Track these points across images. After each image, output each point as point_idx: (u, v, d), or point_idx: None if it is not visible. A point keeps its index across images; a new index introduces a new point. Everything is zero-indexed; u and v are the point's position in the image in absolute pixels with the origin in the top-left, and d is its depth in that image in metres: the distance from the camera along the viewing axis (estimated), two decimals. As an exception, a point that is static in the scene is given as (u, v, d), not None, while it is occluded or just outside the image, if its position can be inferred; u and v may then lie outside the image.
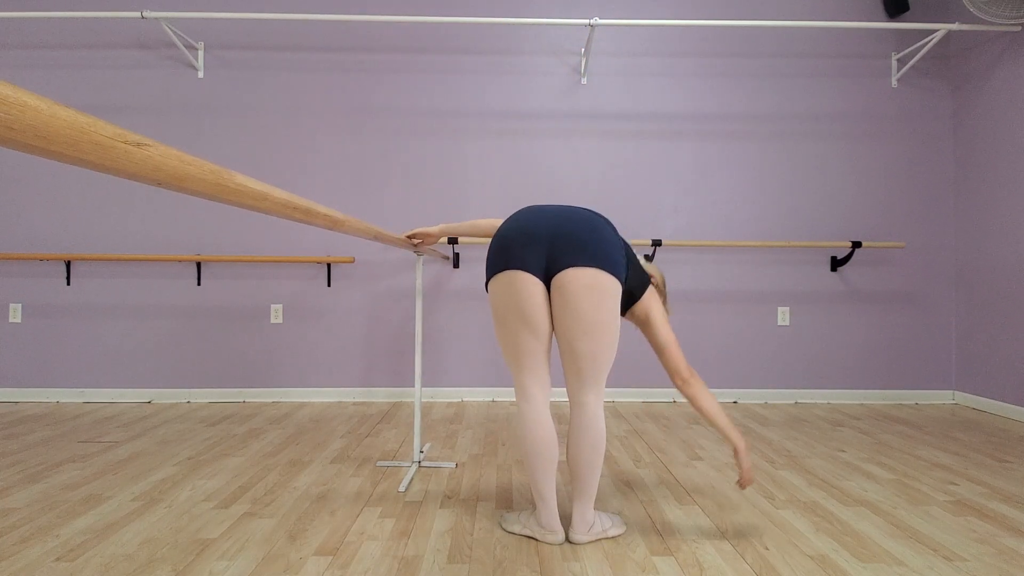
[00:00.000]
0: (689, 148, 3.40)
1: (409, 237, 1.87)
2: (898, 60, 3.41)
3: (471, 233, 1.70)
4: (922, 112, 3.42)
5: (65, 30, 3.33)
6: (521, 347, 1.45)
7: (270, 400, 3.31)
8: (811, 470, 2.14)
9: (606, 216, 1.62)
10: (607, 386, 3.38)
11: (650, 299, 1.56)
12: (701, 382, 1.53)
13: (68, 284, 3.30)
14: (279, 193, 0.79)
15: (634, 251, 1.61)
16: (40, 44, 3.33)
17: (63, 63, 3.32)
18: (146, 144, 0.51)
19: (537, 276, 1.40)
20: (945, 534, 1.60)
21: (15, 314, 3.28)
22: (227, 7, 3.34)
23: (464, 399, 3.36)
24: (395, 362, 3.36)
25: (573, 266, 1.36)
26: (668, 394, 3.38)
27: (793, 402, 3.37)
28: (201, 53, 3.33)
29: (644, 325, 1.57)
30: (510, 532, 1.59)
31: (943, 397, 3.39)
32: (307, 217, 0.90)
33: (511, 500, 1.83)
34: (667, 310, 1.68)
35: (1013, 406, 2.97)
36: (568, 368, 1.46)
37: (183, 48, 3.22)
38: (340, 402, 3.29)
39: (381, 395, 3.34)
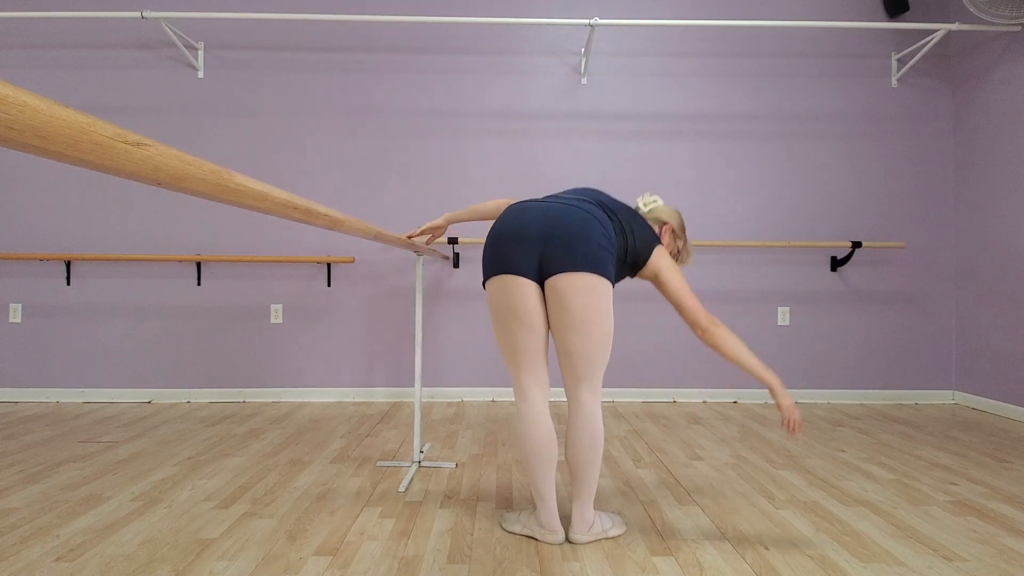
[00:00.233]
0: (689, 148, 3.40)
1: (413, 236, 1.88)
2: (898, 60, 3.41)
3: (474, 218, 1.79)
4: (922, 112, 3.42)
5: (65, 30, 3.33)
6: (518, 346, 1.47)
7: (270, 400, 3.31)
8: (811, 470, 2.14)
9: (600, 198, 1.61)
10: (608, 386, 3.38)
11: (658, 260, 1.55)
12: (722, 330, 1.50)
13: (68, 284, 3.30)
14: (279, 193, 0.79)
15: (637, 216, 1.58)
16: (40, 44, 3.33)
17: (63, 63, 3.32)
18: (146, 144, 0.51)
19: (531, 278, 1.43)
20: (945, 534, 1.60)
21: (15, 314, 3.28)
22: (227, 7, 3.34)
23: (464, 399, 3.36)
24: (395, 362, 3.36)
25: (564, 271, 1.40)
26: (668, 394, 3.38)
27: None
28: (201, 53, 3.33)
29: (655, 283, 1.58)
30: (510, 532, 1.59)
31: (943, 397, 3.39)
32: (307, 217, 0.90)
33: (511, 500, 1.83)
34: (687, 252, 1.72)
35: (1013, 406, 2.97)
36: (564, 367, 1.49)
37: (183, 48, 3.22)
38: (340, 402, 3.29)
39: (381, 395, 3.34)
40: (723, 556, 1.46)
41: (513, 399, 3.35)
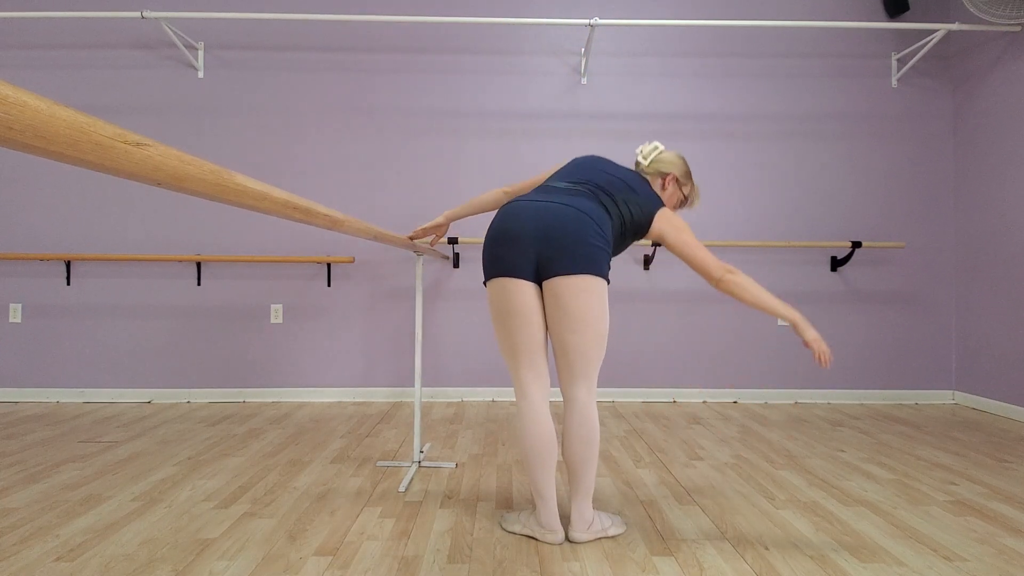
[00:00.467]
0: (689, 148, 3.40)
1: (415, 238, 1.89)
2: (898, 60, 3.41)
3: (473, 211, 1.81)
4: (922, 112, 3.42)
5: (65, 30, 3.33)
6: (518, 344, 1.50)
7: (270, 400, 3.31)
8: (811, 470, 2.14)
9: (598, 179, 1.60)
10: (608, 386, 3.38)
11: (659, 225, 1.55)
12: (736, 277, 1.49)
13: (68, 284, 3.30)
14: (279, 193, 0.79)
15: (635, 184, 1.56)
16: (40, 44, 3.33)
17: (63, 63, 3.32)
18: (146, 144, 0.51)
19: (528, 279, 1.47)
20: (945, 534, 1.60)
21: (15, 314, 3.28)
22: (227, 7, 3.34)
23: (464, 399, 3.36)
24: (395, 362, 3.36)
25: (561, 274, 1.43)
26: (668, 394, 3.38)
27: (793, 402, 3.37)
28: (201, 53, 3.33)
29: (662, 243, 1.58)
30: (510, 532, 1.59)
31: (943, 397, 3.39)
32: (307, 217, 0.90)
33: (511, 500, 1.83)
34: (695, 195, 1.71)
35: (1013, 406, 2.97)
36: (560, 363, 1.51)
37: (183, 48, 3.22)
38: (340, 402, 3.29)
39: (381, 395, 3.34)
40: (723, 556, 1.46)
41: (513, 399, 3.35)
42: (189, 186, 0.59)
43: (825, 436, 2.63)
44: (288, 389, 3.32)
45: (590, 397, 1.50)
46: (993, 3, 2.89)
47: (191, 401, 3.29)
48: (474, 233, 3.37)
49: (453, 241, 3.24)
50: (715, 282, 1.51)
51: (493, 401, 3.33)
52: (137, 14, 2.98)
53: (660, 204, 1.58)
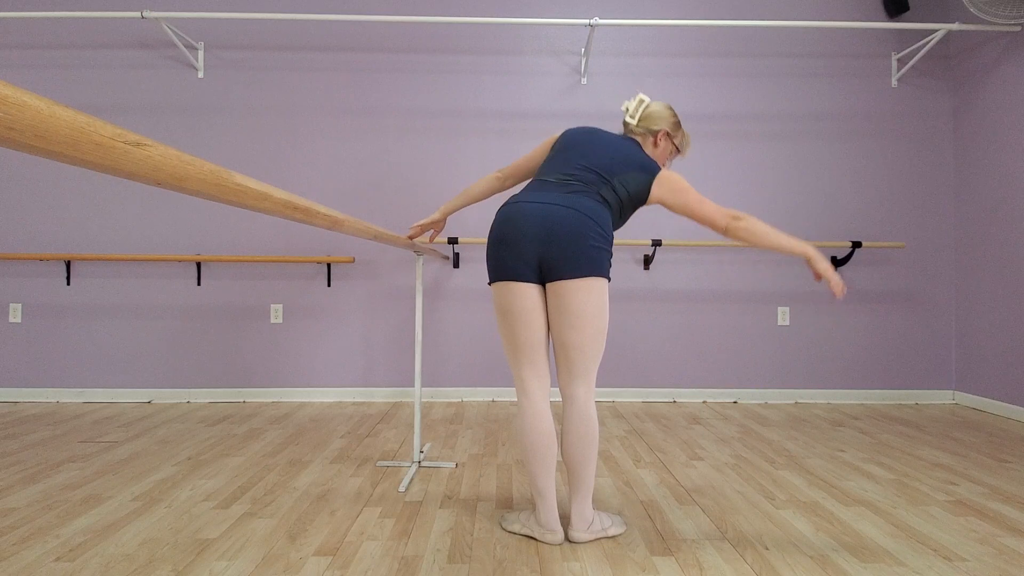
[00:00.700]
0: (689, 148, 3.40)
1: (414, 236, 1.88)
2: (898, 60, 3.41)
3: (468, 202, 1.80)
4: (922, 112, 3.42)
5: (65, 30, 3.33)
6: (520, 342, 1.51)
7: (270, 400, 3.31)
8: (811, 470, 2.14)
9: (594, 162, 1.59)
10: (608, 386, 3.38)
11: (657, 193, 1.55)
12: (743, 222, 1.48)
13: (68, 284, 3.30)
14: (279, 193, 0.79)
15: (629, 156, 1.55)
16: (40, 44, 3.33)
17: (63, 63, 3.32)
18: (146, 144, 0.51)
19: (532, 282, 1.48)
20: (945, 534, 1.60)
21: (15, 314, 3.28)
22: (227, 7, 3.34)
23: (464, 399, 3.36)
24: (395, 362, 3.36)
25: (565, 278, 1.45)
26: (668, 394, 3.38)
27: (793, 402, 3.37)
28: (201, 53, 3.33)
29: (664, 205, 1.58)
30: (510, 532, 1.59)
31: (943, 397, 3.39)
32: (307, 217, 0.90)
33: (511, 500, 1.83)
34: (686, 143, 1.69)
35: (1013, 406, 2.97)
36: (560, 361, 1.53)
37: (183, 48, 3.22)
38: (340, 402, 3.29)
39: (381, 395, 3.34)
40: (723, 556, 1.46)
41: (514, 399, 3.35)
42: (189, 186, 0.59)
43: (825, 436, 2.63)
44: (288, 389, 3.32)
45: (589, 396, 1.52)
46: (993, 3, 2.89)
47: (191, 401, 3.29)
48: (474, 233, 3.37)
49: (453, 241, 3.24)
50: (722, 231, 1.51)
51: (493, 401, 3.33)
52: (137, 14, 2.98)
53: (655, 171, 1.55)
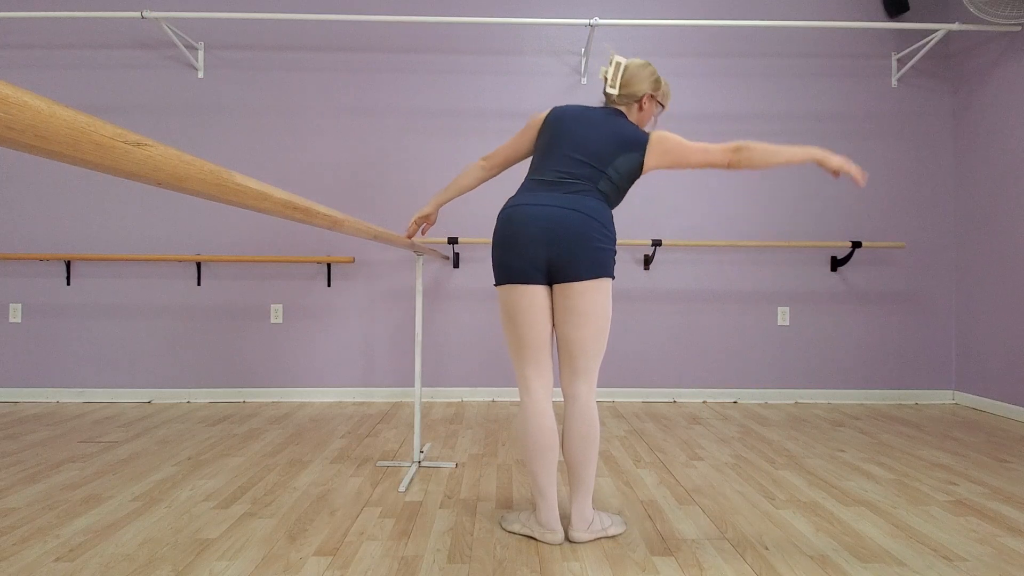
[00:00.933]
0: (689, 148, 3.40)
1: (411, 233, 1.87)
2: (898, 60, 3.41)
3: (460, 192, 1.78)
4: (922, 112, 3.42)
5: (65, 30, 3.33)
6: (524, 340, 1.52)
7: (270, 400, 3.31)
8: (811, 470, 2.14)
9: (591, 151, 1.57)
10: (608, 386, 3.38)
11: (651, 162, 1.54)
12: (741, 153, 1.49)
13: (68, 284, 3.30)
14: (279, 193, 0.79)
15: (619, 119, 1.54)
16: (40, 44, 3.33)
17: (63, 63, 3.32)
18: (146, 144, 0.51)
19: (539, 283, 1.50)
20: (945, 534, 1.60)
21: (15, 314, 3.28)
22: (227, 7, 3.34)
23: (464, 399, 3.36)
24: (395, 362, 3.36)
25: (572, 280, 1.46)
26: (668, 394, 3.38)
27: (793, 402, 3.37)
28: (201, 53, 3.33)
29: (661, 169, 1.57)
30: (510, 532, 1.59)
31: (943, 397, 3.39)
32: (307, 217, 0.90)
33: (511, 500, 1.83)
34: (667, 96, 1.66)
35: (1013, 406, 2.97)
36: (563, 359, 1.54)
37: (183, 48, 3.22)
38: (340, 402, 3.29)
39: (381, 395, 3.34)
40: (723, 556, 1.46)
41: (514, 399, 3.35)
42: (189, 186, 0.59)
43: (825, 436, 2.63)
44: (288, 389, 3.32)
45: (591, 394, 1.53)
46: (993, 3, 2.89)
47: (191, 401, 3.29)
48: (474, 233, 3.37)
49: (453, 241, 3.24)
50: (726, 167, 1.52)
51: (493, 401, 3.33)
52: (137, 14, 2.98)
53: (642, 145, 1.53)
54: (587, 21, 3.00)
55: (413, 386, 3.36)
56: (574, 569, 1.39)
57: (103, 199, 3.31)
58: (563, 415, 1.55)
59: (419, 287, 2.14)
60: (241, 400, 3.31)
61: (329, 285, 3.34)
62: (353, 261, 3.30)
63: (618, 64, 1.59)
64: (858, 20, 3.43)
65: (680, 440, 2.55)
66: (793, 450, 2.40)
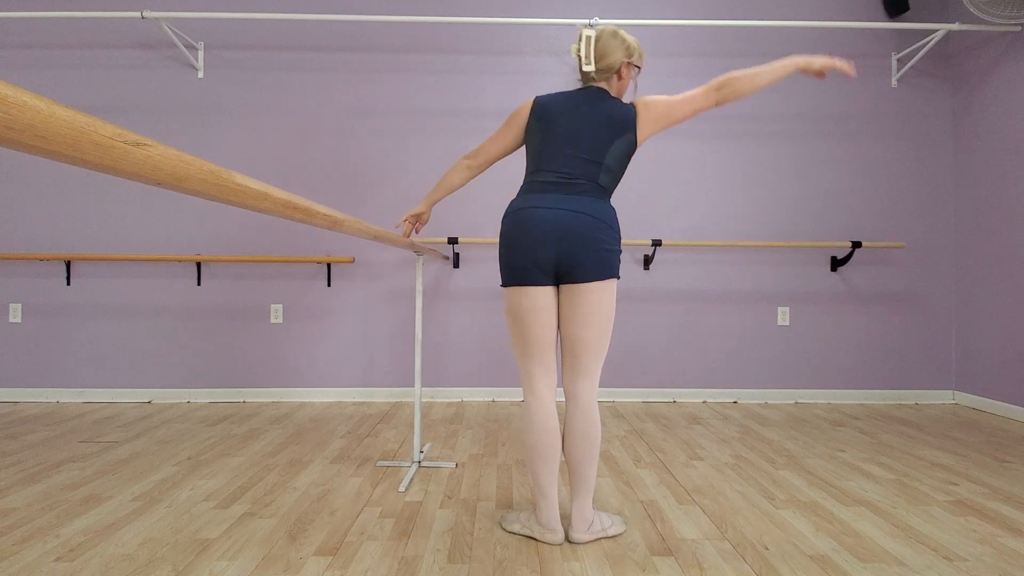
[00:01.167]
0: (689, 148, 3.40)
1: (406, 232, 1.87)
2: (898, 60, 3.41)
3: (449, 192, 1.76)
4: (922, 112, 3.42)
5: (65, 30, 3.33)
6: (530, 338, 1.53)
7: (270, 400, 3.31)
8: (811, 470, 2.14)
9: (594, 147, 1.57)
10: (608, 386, 3.38)
11: (642, 132, 1.54)
12: (724, 90, 1.50)
13: (68, 284, 3.30)
14: (279, 193, 0.79)
15: (603, 99, 1.53)
16: (40, 44, 3.33)
17: (63, 63, 3.32)
18: (146, 144, 0.51)
19: (547, 285, 1.51)
20: (945, 534, 1.60)
21: (15, 314, 3.28)
22: (227, 7, 3.34)
23: (464, 399, 3.36)
24: (395, 362, 3.36)
25: (580, 282, 1.48)
26: (668, 394, 3.38)
27: (793, 402, 3.37)
28: (201, 53, 3.33)
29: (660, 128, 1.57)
30: (510, 532, 1.59)
31: (943, 397, 3.39)
32: (307, 217, 0.90)
33: (511, 500, 1.83)
34: (641, 54, 1.60)
35: (1013, 406, 2.97)
36: (567, 358, 1.55)
37: (183, 48, 3.22)
38: (340, 402, 3.29)
39: (381, 395, 3.34)
40: (723, 556, 1.46)
41: (514, 399, 3.35)
42: (189, 186, 0.59)
43: (825, 436, 2.63)
44: (288, 389, 3.32)
45: (593, 394, 1.54)
46: (993, 3, 2.89)
47: (191, 401, 3.29)
48: (474, 233, 3.37)
49: (453, 241, 3.24)
50: (715, 105, 1.53)
51: (493, 401, 3.33)
52: (137, 14, 2.98)
53: (631, 123, 1.52)
54: (587, 21, 3.00)
55: (413, 386, 3.36)
56: (574, 569, 1.39)
57: (103, 199, 3.31)
58: (564, 415, 1.56)
59: (419, 287, 2.14)
60: (241, 400, 3.31)
61: (329, 285, 3.34)
62: (353, 261, 3.30)
63: (588, 38, 1.54)
64: (858, 20, 3.43)
65: (680, 440, 2.55)
66: (793, 450, 2.40)
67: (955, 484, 2.00)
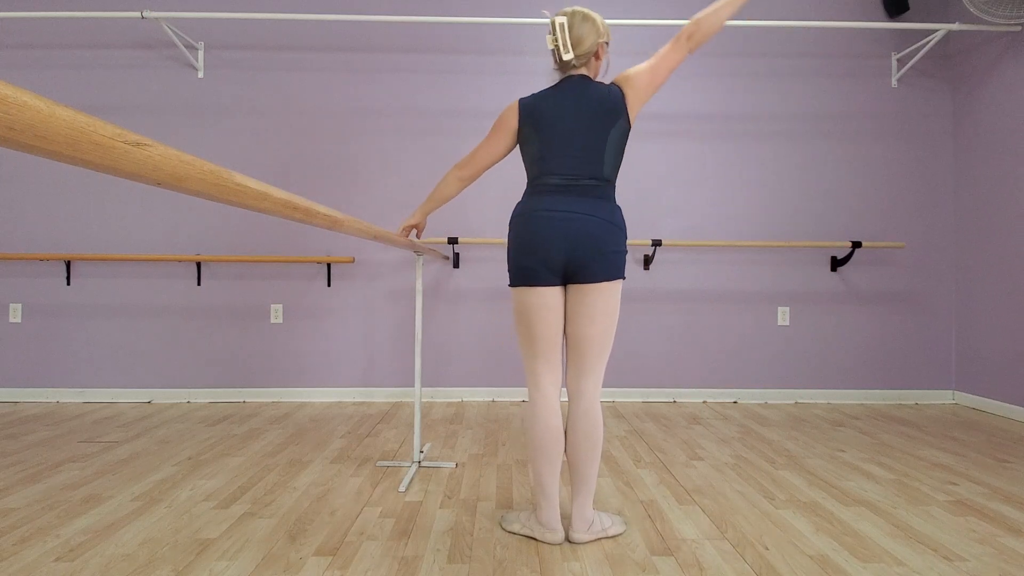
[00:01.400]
0: (689, 148, 3.40)
1: (404, 236, 1.87)
2: (898, 60, 3.41)
3: (442, 203, 1.76)
4: (922, 112, 3.42)
5: (65, 30, 3.33)
6: (536, 335, 1.54)
7: (270, 400, 3.31)
8: (811, 470, 2.14)
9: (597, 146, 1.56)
10: (608, 386, 3.38)
11: (631, 107, 1.54)
12: (696, 33, 1.52)
13: (68, 284, 3.30)
14: (279, 193, 0.79)
15: (588, 86, 1.53)
16: (40, 44, 3.33)
17: (63, 63, 3.32)
18: (146, 144, 0.51)
19: (555, 285, 1.53)
20: (945, 534, 1.60)
21: (15, 314, 3.28)
22: (227, 7, 3.34)
23: (464, 399, 3.36)
24: (395, 362, 3.36)
25: (588, 282, 1.50)
26: (668, 394, 3.38)
27: (793, 402, 3.37)
28: (201, 53, 3.33)
29: (648, 92, 1.57)
30: (510, 532, 1.60)
31: (943, 397, 3.39)
32: (307, 217, 0.90)
33: (511, 500, 1.83)
34: (608, 33, 1.59)
35: (1013, 406, 2.97)
36: (571, 356, 1.56)
37: (183, 48, 3.22)
38: (340, 402, 3.29)
39: (381, 395, 3.34)
40: (723, 556, 1.46)
41: (514, 399, 3.35)
42: (189, 186, 0.59)
43: (825, 436, 2.63)
44: (288, 389, 3.32)
45: (596, 393, 1.55)
46: (993, 3, 2.89)
47: (191, 401, 3.29)
48: (474, 233, 3.37)
49: (453, 241, 3.24)
50: (691, 52, 1.55)
51: (493, 401, 3.33)
52: (137, 14, 2.98)
53: (620, 103, 1.52)
54: (587, 21, 3.00)
55: (413, 386, 3.36)
56: (574, 569, 1.39)
57: (103, 199, 3.31)
58: (567, 414, 1.56)
59: (419, 287, 2.14)
60: (241, 400, 3.31)
61: (329, 285, 3.34)
62: (353, 261, 3.30)
63: (562, 26, 1.51)
64: (858, 20, 3.43)
65: (680, 440, 2.55)
66: (793, 450, 2.40)
67: (955, 484, 2.00)
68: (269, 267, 3.34)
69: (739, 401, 3.38)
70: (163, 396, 3.30)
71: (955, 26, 3.02)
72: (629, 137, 3.38)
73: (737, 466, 2.19)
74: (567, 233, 1.47)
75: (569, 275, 1.51)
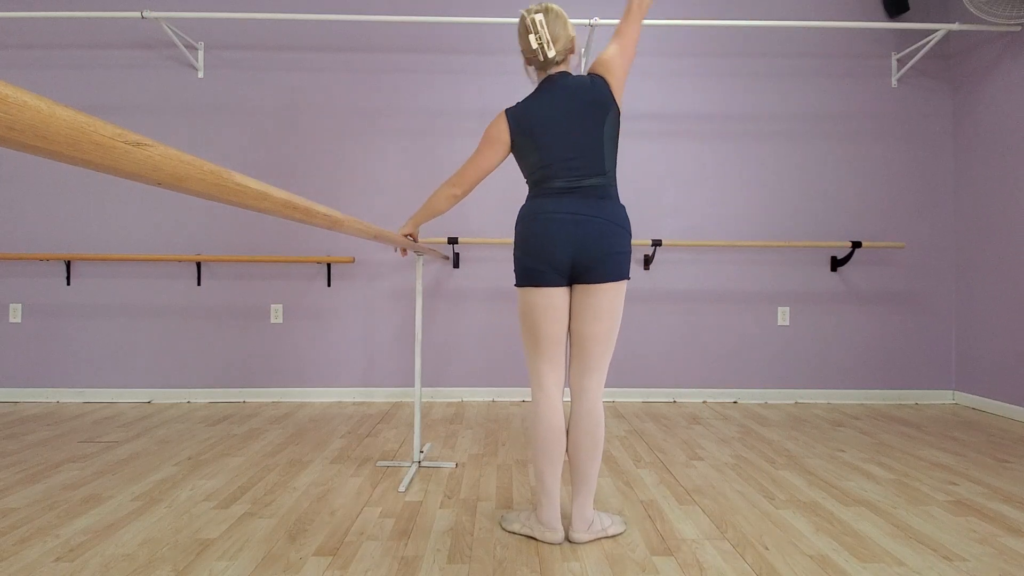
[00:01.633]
0: (689, 148, 3.40)
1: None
2: (898, 60, 3.41)
3: (434, 216, 1.74)
4: (922, 112, 3.42)
5: (65, 30, 3.33)
6: (541, 335, 1.55)
7: (270, 400, 3.31)
8: (811, 470, 2.14)
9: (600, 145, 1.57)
10: (608, 386, 3.38)
11: (615, 89, 1.54)
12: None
13: (68, 284, 3.29)
14: (279, 193, 0.79)
15: (573, 80, 1.54)
16: (40, 44, 3.33)
17: (63, 63, 3.32)
18: (146, 144, 0.51)
19: (561, 286, 1.54)
20: (945, 534, 1.60)
21: (15, 314, 3.28)
22: (227, 7, 3.34)
23: (464, 399, 3.36)
24: (395, 362, 3.36)
25: (595, 282, 1.51)
26: (668, 394, 3.38)
27: (793, 402, 3.37)
28: (201, 53, 3.33)
29: (624, 62, 1.57)
30: (510, 531, 1.60)
31: (943, 397, 3.39)
32: (307, 217, 0.90)
33: (511, 500, 1.83)
34: (567, 23, 1.59)
35: (1013, 406, 2.97)
36: (575, 355, 1.57)
37: (183, 48, 3.22)
38: (340, 402, 3.29)
39: (381, 395, 3.34)
40: (723, 556, 1.46)
41: (514, 400, 3.35)
42: (189, 186, 0.59)
43: (825, 436, 2.63)
44: (288, 389, 3.32)
45: (599, 392, 1.56)
46: (993, 3, 2.89)
47: (191, 401, 3.29)
48: (474, 233, 3.37)
49: (453, 241, 3.24)
50: (644, 16, 1.58)
51: (493, 401, 3.33)
52: (137, 14, 2.98)
53: (605, 93, 1.52)
54: (587, 21, 3.00)
55: (413, 386, 3.36)
56: (574, 569, 1.39)
57: (103, 199, 3.31)
58: (569, 413, 1.57)
59: (419, 287, 2.14)
60: (241, 400, 3.31)
61: (329, 285, 3.34)
62: (353, 261, 3.30)
63: (541, 23, 1.50)
64: (858, 20, 3.43)
65: (680, 440, 2.55)
66: (793, 450, 2.40)
67: (955, 484, 2.00)
68: (269, 267, 3.34)
69: (739, 401, 3.38)
70: (163, 396, 3.30)
71: (955, 26, 3.02)
72: (628, 137, 3.38)
73: (737, 466, 2.19)
74: (573, 235, 1.49)
75: (575, 276, 1.53)
